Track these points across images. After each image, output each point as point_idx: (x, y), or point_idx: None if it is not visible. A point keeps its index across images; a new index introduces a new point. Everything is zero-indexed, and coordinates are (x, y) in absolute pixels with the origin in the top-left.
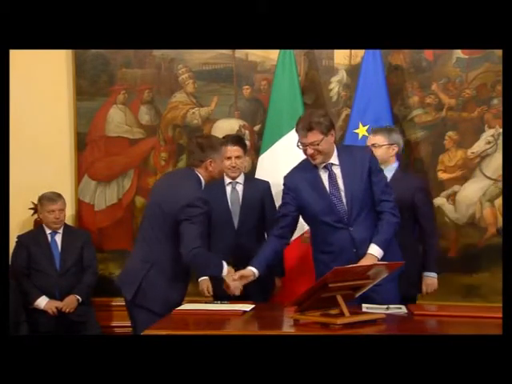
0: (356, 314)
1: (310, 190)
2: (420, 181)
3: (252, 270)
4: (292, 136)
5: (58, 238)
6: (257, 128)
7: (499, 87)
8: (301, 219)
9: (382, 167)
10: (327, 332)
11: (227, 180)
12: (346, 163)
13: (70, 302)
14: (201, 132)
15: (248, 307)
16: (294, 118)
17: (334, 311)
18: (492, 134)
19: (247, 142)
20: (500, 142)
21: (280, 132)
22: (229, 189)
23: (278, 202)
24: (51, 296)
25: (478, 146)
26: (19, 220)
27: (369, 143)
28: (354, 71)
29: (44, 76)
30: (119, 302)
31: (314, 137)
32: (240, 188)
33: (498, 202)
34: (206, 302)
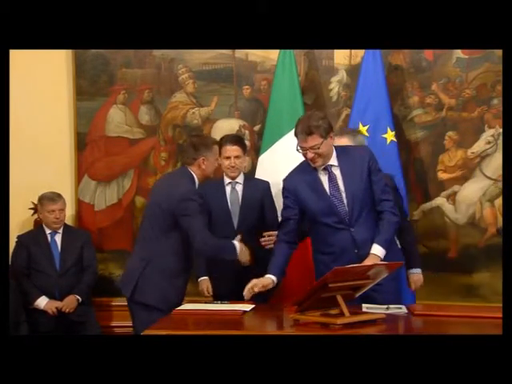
0: (356, 313)
1: (310, 191)
2: (389, 180)
3: (271, 278)
4: (292, 136)
5: (58, 238)
6: (257, 128)
7: (499, 87)
8: None
9: None
10: (327, 332)
11: (227, 180)
12: (345, 164)
13: (70, 302)
14: (200, 132)
15: (248, 307)
16: (294, 118)
17: (333, 311)
18: (492, 134)
19: (247, 142)
20: (500, 142)
21: (280, 132)
22: (228, 189)
23: (277, 202)
24: (51, 296)
25: (478, 146)
26: (19, 220)
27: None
28: (354, 71)
29: (44, 76)
30: (119, 301)
31: (314, 141)
32: (240, 188)
33: (498, 202)
34: (206, 302)
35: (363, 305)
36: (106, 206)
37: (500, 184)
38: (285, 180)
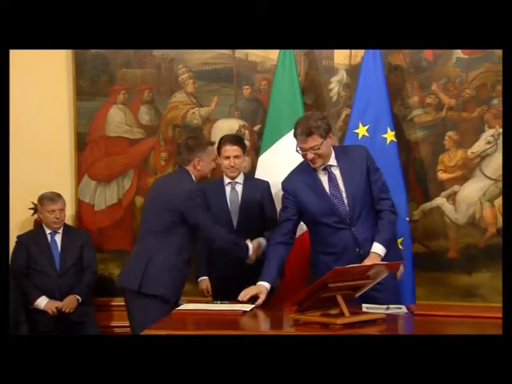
0: (356, 314)
1: (310, 192)
2: None
3: (264, 286)
4: (292, 136)
5: (58, 238)
6: (257, 128)
7: (499, 87)
8: None
9: None
10: (327, 332)
11: (226, 180)
12: (344, 164)
13: (70, 302)
14: (200, 132)
15: (248, 307)
16: (294, 118)
17: (333, 311)
18: (492, 134)
19: (247, 142)
20: (500, 142)
21: (280, 132)
22: (228, 189)
23: (277, 202)
24: (51, 296)
25: (478, 146)
26: (19, 220)
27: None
28: (354, 71)
29: (44, 76)
30: (119, 302)
31: (314, 141)
32: (239, 188)
33: (498, 202)
34: (205, 302)
35: (363, 305)
36: (106, 206)
37: (500, 184)
38: (284, 182)
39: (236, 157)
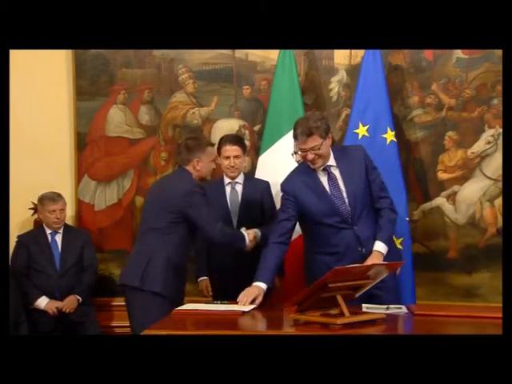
0: (356, 313)
1: (310, 192)
2: None
3: (260, 287)
4: (292, 136)
5: (58, 238)
6: (257, 128)
7: (499, 87)
8: None
9: None
10: (327, 332)
11: (226, 180)
12: (343, 164)
13: (71, 303)
14: (200, 132)
15: (248, 307)
16: (294, 117)
17: (333, 311)
18: (492, 134)
19: (247, 142)
20: (500, 142)
21: (280, 132)
22: (228, 189)
23: (277, 202)
24: (51, 296)
25: (478, 146)
26: (19, 220)
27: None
28: (354, 71)
29: (44, 76)
30: (119, 302)
31: (314, 141)
32: (239, 188)
33: (498, 202)
34: (205, 302)
35: (363, 305)
36: (106, 206)
37: (500, 184)
38: (283, 183)
39: (236, 157)
